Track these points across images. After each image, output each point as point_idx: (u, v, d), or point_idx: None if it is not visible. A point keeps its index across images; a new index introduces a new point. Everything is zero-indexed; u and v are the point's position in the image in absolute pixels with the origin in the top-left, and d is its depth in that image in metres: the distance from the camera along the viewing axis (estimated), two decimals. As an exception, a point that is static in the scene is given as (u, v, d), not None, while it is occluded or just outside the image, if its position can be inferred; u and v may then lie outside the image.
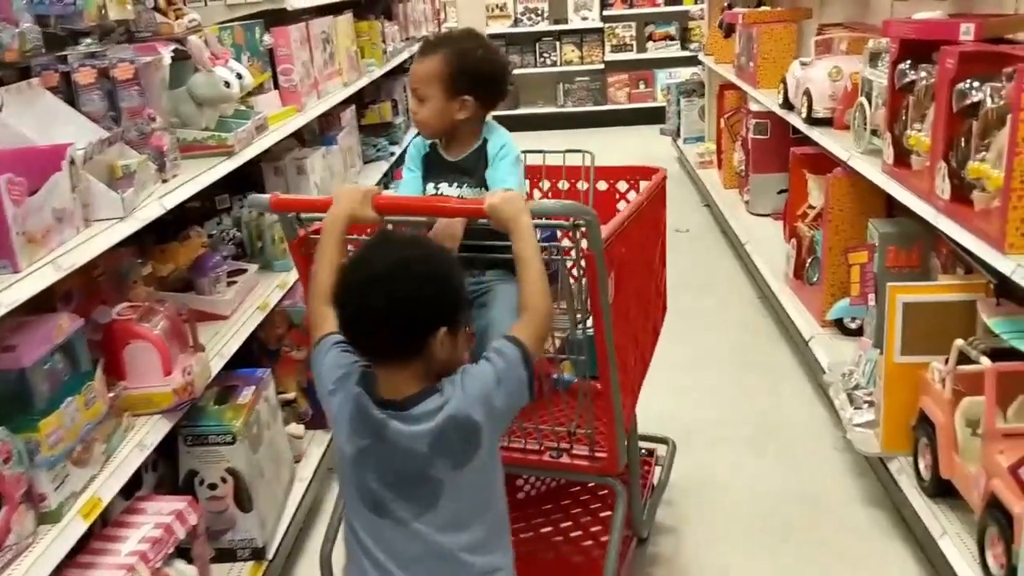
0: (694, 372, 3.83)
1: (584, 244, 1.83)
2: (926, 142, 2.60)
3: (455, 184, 2.12)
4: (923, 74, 2.71)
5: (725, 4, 6.28)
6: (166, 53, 2.54)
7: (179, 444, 2.36)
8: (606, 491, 2.63)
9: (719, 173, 6.19)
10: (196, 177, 2.40)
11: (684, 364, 3.88)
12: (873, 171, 3.04)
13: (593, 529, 2.55)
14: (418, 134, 2.20)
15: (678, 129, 7.67)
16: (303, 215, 2.00)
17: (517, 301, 1.72)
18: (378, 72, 4.76)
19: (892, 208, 3.42)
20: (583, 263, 1.88)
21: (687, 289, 4.80)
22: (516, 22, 9.40)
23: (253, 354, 3.00)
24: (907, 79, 2.79)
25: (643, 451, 2.84)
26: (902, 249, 3.01)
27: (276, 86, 3.40)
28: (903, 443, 2.62)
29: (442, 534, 1.56)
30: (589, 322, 1.98)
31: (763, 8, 5.50)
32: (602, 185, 2.56)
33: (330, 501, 3.03)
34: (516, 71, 9.43)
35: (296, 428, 2.89)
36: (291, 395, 2.99)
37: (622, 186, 2.56)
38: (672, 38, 9.61)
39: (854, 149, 3.29)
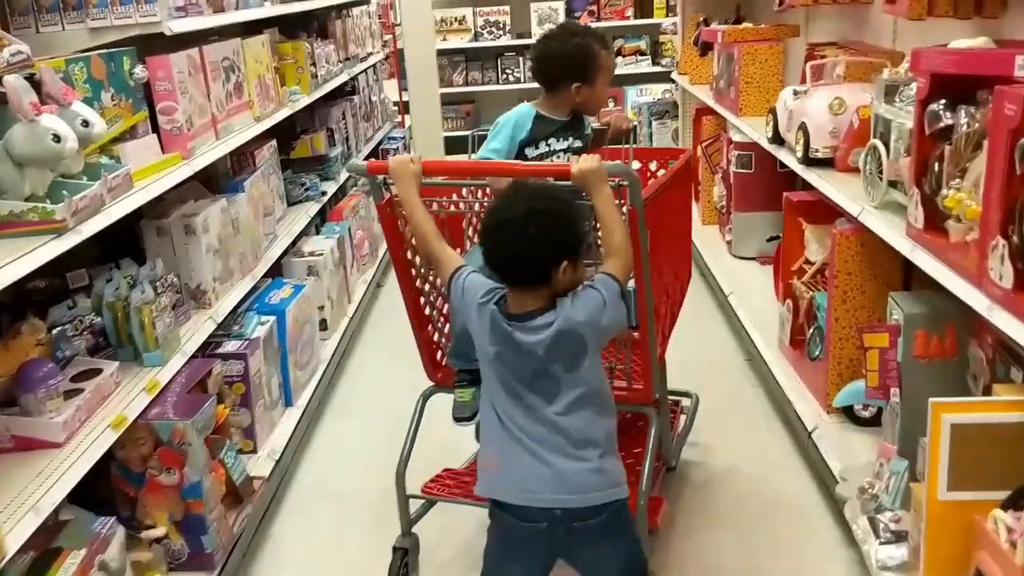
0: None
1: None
2: (972, 208, 2.00)
3: (561, 139, 2.57)
4: (964, 118, 2.12)
5: (700, 19, 5.69)
6: (-35, 99, 1.89)
7: (-35, 648, 1.70)
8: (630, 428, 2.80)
9: (697, 207, 5.57)
10: (-10, 274, 1.74)
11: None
12: (894, 234, 2.43)
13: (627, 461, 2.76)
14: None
15: (650, 153, 7.05)
16: (389, 180, 2.23)
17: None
18: (305, 101, 4.09)
19: (910, 272, 2.83)
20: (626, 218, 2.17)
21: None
22: (476, 36, 8.74)
23: (109, 480, 2.35)
24: (941, 123, 2.20)
25: (670, 400, 3.19)
26: (933, 333, 2.40)
27: (155, 129, 2.73)
28: (952, 602, 2.01)
29: (562, 418, 1.92)
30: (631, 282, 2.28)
31: (744, 25, 4.90)
32: (635, 164, 2.78)
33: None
34: (476, 88, 8.84)
35: (160, 581, 2.23)
36: (160, 531, 2.32)
37: (652, 166, 2.98)
38: (643, 53, 9.02)
39: (867, 202, 2.69)
